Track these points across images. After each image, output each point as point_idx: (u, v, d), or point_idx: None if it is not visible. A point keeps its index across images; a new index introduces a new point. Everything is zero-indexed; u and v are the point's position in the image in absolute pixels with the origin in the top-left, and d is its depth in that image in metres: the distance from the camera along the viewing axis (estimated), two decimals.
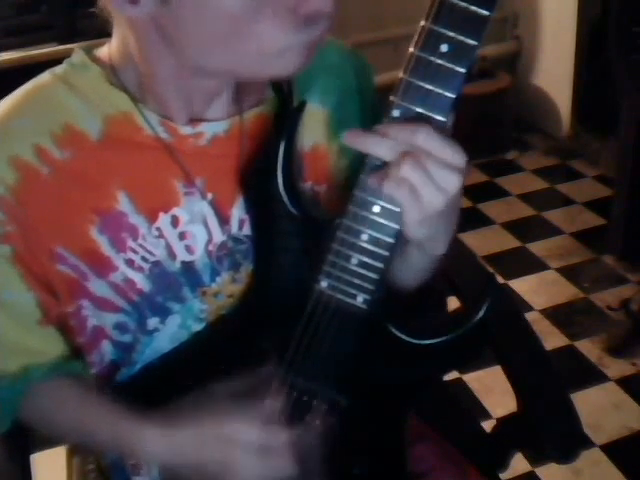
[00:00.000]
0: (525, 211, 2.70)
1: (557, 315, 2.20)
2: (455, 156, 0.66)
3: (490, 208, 2.72)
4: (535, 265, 2.41)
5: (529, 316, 2.13)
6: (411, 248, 0.75)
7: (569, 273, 2.37)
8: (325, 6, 0.65)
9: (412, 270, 0.80)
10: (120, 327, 0.80)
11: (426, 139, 0.65)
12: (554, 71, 3.00)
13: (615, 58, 2.23)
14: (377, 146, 0.67)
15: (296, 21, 0.65)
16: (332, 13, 0.66)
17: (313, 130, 0.83)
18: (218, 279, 0.81)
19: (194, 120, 0.77)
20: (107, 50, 0.77)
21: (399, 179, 0.66)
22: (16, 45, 2.12)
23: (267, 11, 0.64)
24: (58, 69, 0.77)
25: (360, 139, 0.68)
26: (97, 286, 0.78)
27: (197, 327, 0.82)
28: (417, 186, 0.66)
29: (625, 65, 2.19)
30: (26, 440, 0.98)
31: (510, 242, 2.54)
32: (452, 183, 0.66)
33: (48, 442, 0.91)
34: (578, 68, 2.86)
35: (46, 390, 0.83)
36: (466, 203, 2.75)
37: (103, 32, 0.76)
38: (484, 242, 2.51)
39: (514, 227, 2.61)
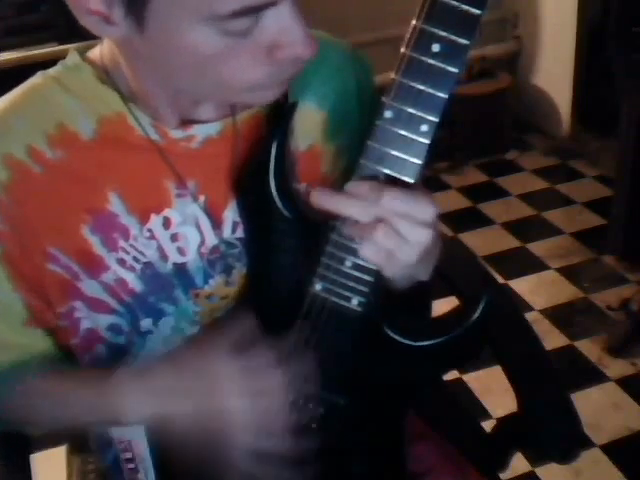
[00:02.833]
0: (525, 211, 2.70)
1: (557, 315, 2.19)
2: (423, 211, 0.67)
3: (490, 208, 2.72)
4: (535, 265, 2.41)
5: (529, 316, 2.13)
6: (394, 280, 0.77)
7: (569, 273, 2.37)
8: (305, 53, 0.65)
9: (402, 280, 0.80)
10: (114, 329, 0.80)
11: (393, 201, 0.66)
12: (554, 71, 3.00)
13: (615, 58, 2.22)
14: (347, 208, 0.68)
15: (270, 63, 0.65)
16: (313, 57, 0.66)
17: (309, 131, 0.83)
18: (211, 281, 0.81)
19: (186, 122, 0.77)
20: (99, 51, 0.77)
21: (374, 245, 0.68)
22: (16, 45, 2.12)
23: (241, 52, 0.64)
24: (51, 70, 0.77)
25: (330, 200, 0.69)
26: (89, 287, 0.77)
27: (191, 330, 0.81)
28: (392, 249, 0.68)
29: (625, 65, 2.18)
30: (26, 440, 0.98)
31: (510, 242, 2.54)
32: (424, 237, 0.68)
33: (48, 442, 0.91)
34: (578, 68, 2.86)
35: (32, 384, 0.81)
36: (466, 203, 2.75)
37: None
38: (484, 242, 2.51)
39: (514, 227, 2.61)
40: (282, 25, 0.63)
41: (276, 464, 0.75)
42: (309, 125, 0.83)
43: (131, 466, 0.86)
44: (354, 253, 0.72)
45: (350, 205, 0.68)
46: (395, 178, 0.68)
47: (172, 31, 0.62)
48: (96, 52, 0.77)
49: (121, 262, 0.77)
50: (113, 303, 0.78)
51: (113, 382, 0.75)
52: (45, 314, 0.79)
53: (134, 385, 0.74)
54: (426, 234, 0.68)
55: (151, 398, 0.74)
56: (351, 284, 0.73)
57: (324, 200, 0.69)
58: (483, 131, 2.97)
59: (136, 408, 0.75)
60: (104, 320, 0.79)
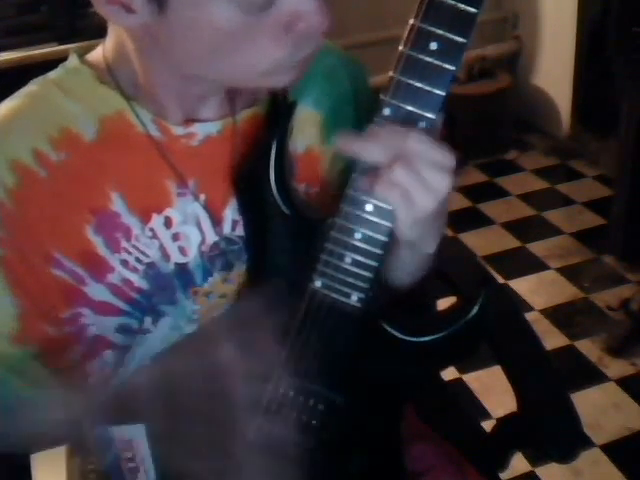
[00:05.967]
0: (525, 211, 2.70)
1: (557, 315, 2.20)
2: (445, 157, 0.67)
3: (490, 208, 2.72)
4: (535, 265, 2.42)
5: (529, 316, 2.13)
6: (402, 248, 0.76)
7: (569, 273, 2.37)
8: (320, 25, 0.65)
9: (404, 269, 0.80)
10: (123, 329, 0.80)
11: (417, 142, 0.66)
12: (554, 71, 3.00)
13: (615, 58, 2.23)
14: (369, 150, 0.68)
15: (288, 41, 0.66)
16: (326, 31, 0.66)
17: (307, 133, 0.83)
18: (210, 279, 0.81)
19: (188, 120, 0.77)
20: (101, 50, 0.77)
21: (391, 182, 0.67)
22: (16, 45, 2.11)
23: (261, 30, 0.64)
24: (52, 74, 0.77)
25: (352, 143, 0.69)
26: (95, 291, 0.77)
27: (189, 328, 0.82)
28: (409, 189, 0.67)
29: (625, 65, 2.19)
30: None
31: (510, 242, 2.54)
32: (443, 183, 0.68)
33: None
34: (578, 68, 2.86)
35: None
36: (466, 203, 2.75)
37: (103, 32, 0.76)
38: (484, 242, 2.51)
39: (514, 227, 2.61)
40: None
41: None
42: (306, 127, 0.83)
43: (131, 465, 0.86)
44: (353, 249, 0.72)
45: (372, 147, 0.68)
46: None
47: (193, 9, 0.62)
48: (98, 52, 0.78)
49: (124, 263, 0.77)
50: (121, 304, 0.78)
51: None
52: (37, 326, 0.76)
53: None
54: (445, 180, 0.67)
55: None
56: (351, 280, 0.74)
57: (347, 144, 0.69)
58: (483, 131, 2.97)
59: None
60: (112, 323, 0.79)
